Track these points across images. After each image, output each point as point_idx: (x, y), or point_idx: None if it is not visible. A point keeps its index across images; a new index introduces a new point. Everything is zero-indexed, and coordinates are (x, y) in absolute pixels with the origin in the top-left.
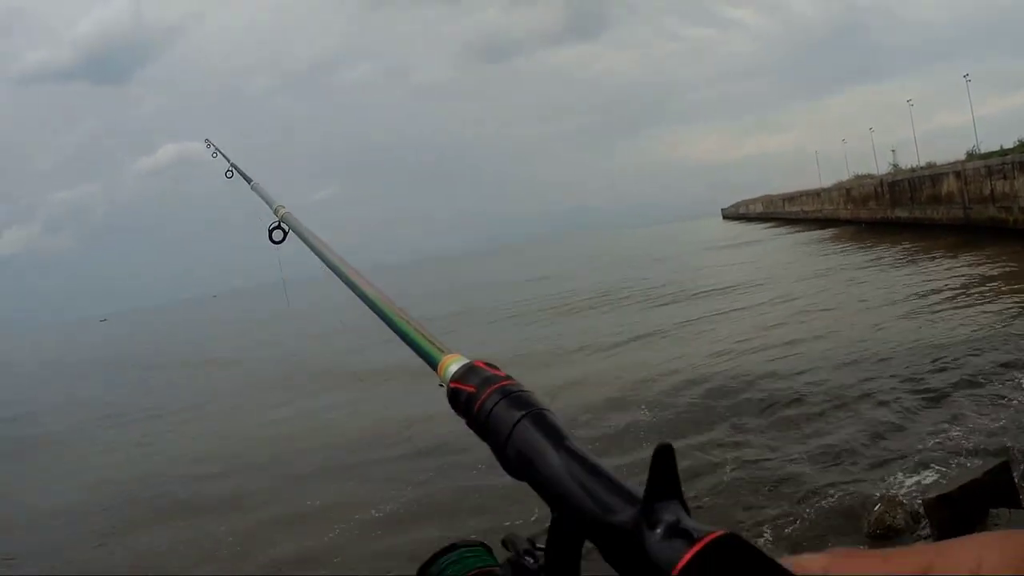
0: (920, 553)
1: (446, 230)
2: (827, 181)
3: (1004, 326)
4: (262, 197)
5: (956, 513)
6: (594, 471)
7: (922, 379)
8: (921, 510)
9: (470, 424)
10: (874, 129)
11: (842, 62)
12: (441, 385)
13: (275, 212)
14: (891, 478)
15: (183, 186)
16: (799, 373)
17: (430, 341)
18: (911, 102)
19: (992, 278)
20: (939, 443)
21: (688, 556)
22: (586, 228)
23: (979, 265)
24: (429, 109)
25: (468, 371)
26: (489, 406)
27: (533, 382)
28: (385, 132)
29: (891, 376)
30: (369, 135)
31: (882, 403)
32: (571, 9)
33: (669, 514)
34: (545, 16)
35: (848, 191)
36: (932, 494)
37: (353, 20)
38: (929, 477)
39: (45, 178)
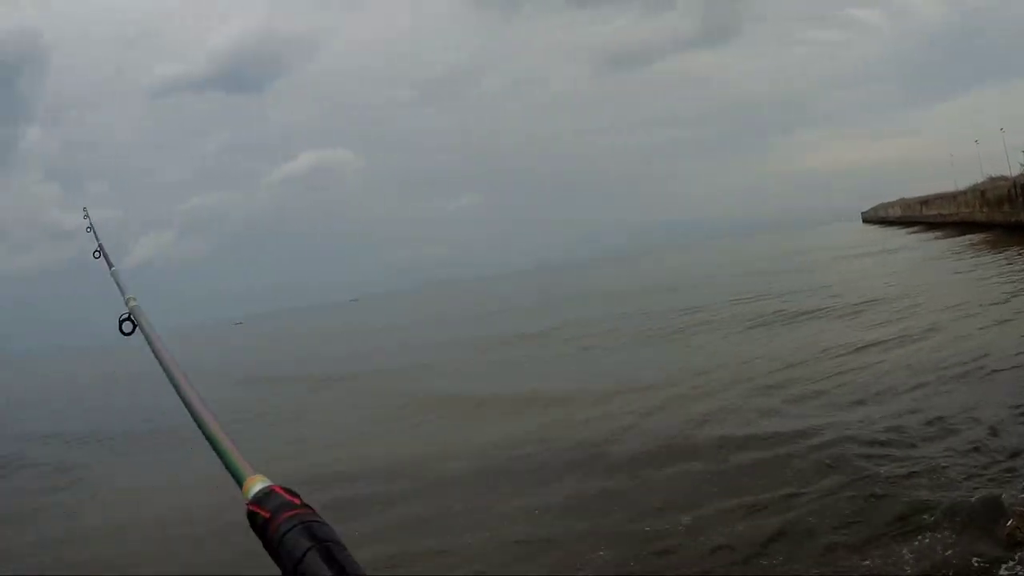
0: None
1: (576, 235)
2: (962, 183)
3: None
4: (118, 285)
5: None
6: None
7: None
8: None
9: (265, 547)
10: (1004, 130)
11: (968, 62)
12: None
13: (127, 303)
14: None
15: (320, 194)
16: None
17: (237, 459)
18: None
19: None
20: None
21: None
22: (723, 235)
23: None
24: (562, 117)
25: (266, 496)
26: (281, 533)
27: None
28: (519, 140)
29: None
30: (504, 143)
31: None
32: (702, 17)
33: None
34: (676, 25)
35: (983, 193)
36: None
37: (486, 31)
38: None
39: (180, 185)
